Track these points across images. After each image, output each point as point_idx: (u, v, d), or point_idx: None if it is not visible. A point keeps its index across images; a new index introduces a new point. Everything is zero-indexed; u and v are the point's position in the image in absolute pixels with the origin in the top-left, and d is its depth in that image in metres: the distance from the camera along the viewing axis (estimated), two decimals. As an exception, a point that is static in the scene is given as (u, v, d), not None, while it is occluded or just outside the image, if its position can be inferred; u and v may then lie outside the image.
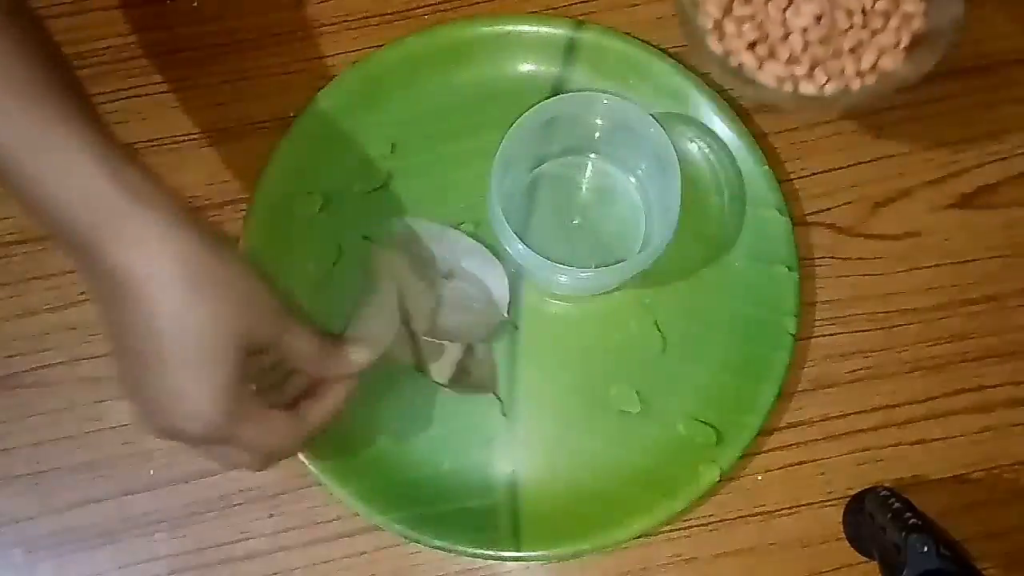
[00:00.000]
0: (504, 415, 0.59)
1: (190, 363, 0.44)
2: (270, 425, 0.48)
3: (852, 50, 0.59)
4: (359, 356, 0.52)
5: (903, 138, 0.63)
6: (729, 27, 0.59)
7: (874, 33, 0.59)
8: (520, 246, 0.54)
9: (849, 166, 0.63)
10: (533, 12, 0.63)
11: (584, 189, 0.62)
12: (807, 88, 0.59)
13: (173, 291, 0.43)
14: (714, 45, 0.59)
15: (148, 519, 0.59)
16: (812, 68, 0.59)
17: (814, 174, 0.63)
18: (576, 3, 0.64)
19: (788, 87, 0.59)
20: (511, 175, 0.58)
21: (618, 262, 0.55)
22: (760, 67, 0.59)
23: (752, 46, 0.59)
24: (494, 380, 0.59)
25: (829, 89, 0.58)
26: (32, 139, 0.42)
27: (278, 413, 0.49)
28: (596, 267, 0.56)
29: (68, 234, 0.43)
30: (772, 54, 0.59)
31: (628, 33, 0.62)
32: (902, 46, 0.59)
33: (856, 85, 0.59)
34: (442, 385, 0.58)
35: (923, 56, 0.58)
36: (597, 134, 0.59)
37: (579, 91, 0.61)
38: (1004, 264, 0.62)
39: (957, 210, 0.63)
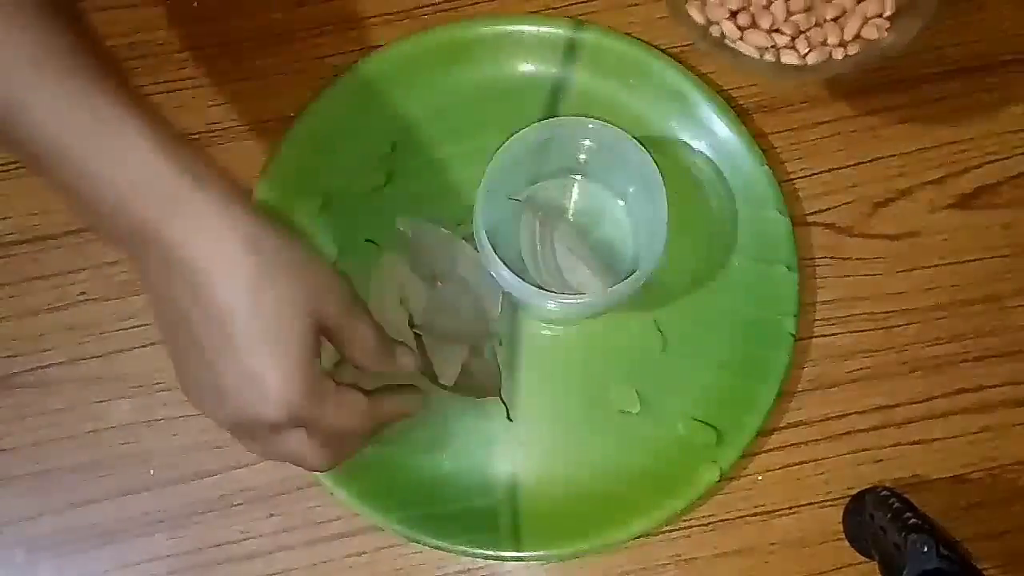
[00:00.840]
0: (510, 419, 0.59)
1: (264, 342, 0.43)
2: (348, 403, 0.47)
3: (835, 19, 0.59)
4: (407, 359, 0.52)
5: (903, 138, 0.63)
6: None
7: (858, 1, 0.59)
8: (506, 272, 0.53)
9: (849, 166, 0.63)
10: (533, 12, 0.63)
11: (571, 212, 0.61)
12: (789, 58, 0.58)
13: (242, 271, 0.42)
14: (695, 14, 0.59)
15: (148, 519, 0.59)
16: (794, 37, 0.59)
17: (814, 174, 0.63)
18: (576, 3, 0.64)
19: (769, 56, 0.58)
20: (498, 199, 0.58)
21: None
22: (741, 36, 0.59)
23: (734, 15, 0.59)
24: (498, 384, 0.59)
25: (811, 59, 0.58)
26: (82, 123, 0.41)
27: (354, 391, 0.47)
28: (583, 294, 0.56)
29: (120, 222, 0.42)
30: (754, 23, 0.59)
31: (628, 33, 0.62)
32: (886, 14, 0.59)
33: (839, 55, 0.59)
34: (447, 389, 0.58)
35: (906, 25, 0.57)
36: (583, 156, 0.59)
37: (565, 116, 0.60)
38: (1004, 264, 0.62)
39: (957, 210, 0.63)
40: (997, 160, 0.63)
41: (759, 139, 0.61)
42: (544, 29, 0.62)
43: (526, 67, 0.63)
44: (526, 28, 0.62)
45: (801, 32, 0.58)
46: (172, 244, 0.41)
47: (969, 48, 0.64)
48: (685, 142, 0.62)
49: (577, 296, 0.55)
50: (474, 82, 0.62)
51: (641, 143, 0.55)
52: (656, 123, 0.62)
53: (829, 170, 0.63)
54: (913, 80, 0.63)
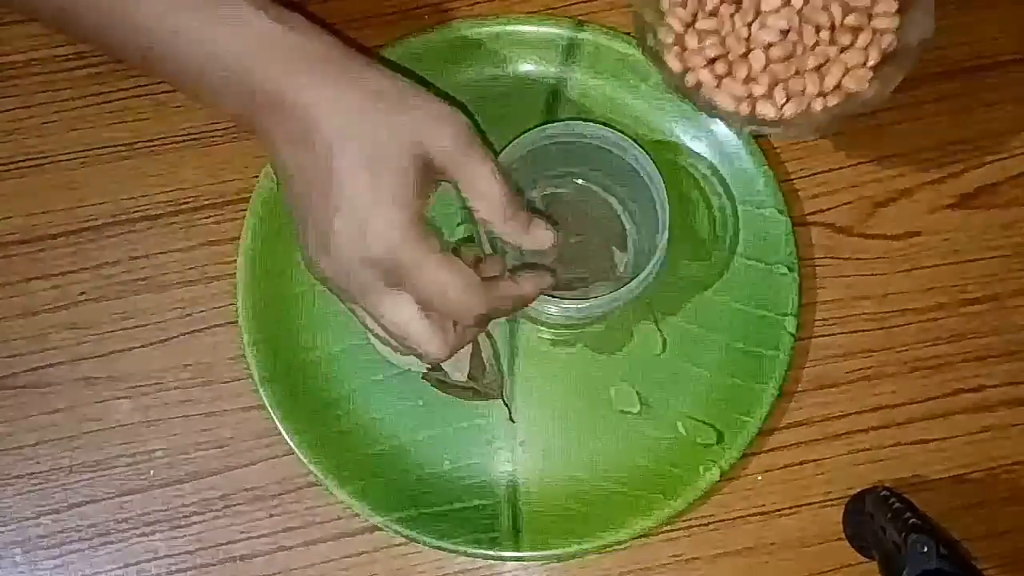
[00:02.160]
0: (512, 421, 0.59)
1: (363, 170, 0.43)
2: (455, 272, 0.44)
3: (816, 68, 0.56)
4: (544, 233, 0.48)
5: (903, 138, 0.63)
6: (691, 41, 0.57)
7: (842, 50, 0.56)
8: None
9: (849, 166, 0.63)
10: (533, 12, 0.63)
11: (571, 215, 0.61)
12: (765, 110, 0.56)
13: (344, 105, 0.43)
14: (672, 61, 0.57)
15: (148, 519, 0.59)
16: (771, 87, 0.56)
17: (814, 174, 0.63)
18: (576, 3, 0.64)
19: (745, 108, 0.56)
20: None
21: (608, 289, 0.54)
22: (718, 85, 0.56)
23: (711, 63, 0.57)
24: (500, 386, 0.59)
25: (788, 110, 0.56)
26: (203, 6, 0.44)
27: (462, 264, 0.44)
28: (584, 297, 0.56)
29: (241, 89, 0.44)
30: (731, 72, 0.56)
31: (628, 33, 0.62)
32: (870, 64, 0.56)
33: (818, 106, 0.56)
34: (448, 392, 0.58)
35: (888, 75, 0.55)
36: (583, 160, 0.59)
37: (566, 119, 0.60)
38: (1004, 264, 0.62)
39: (957, 210, 0.63)
40: (997, 160, 0.63)
41: (759, 139, 0.61)
42: (544, 29, 0.62)
43: (526, 67, 0.63)
44: (526, 28, 0.62)
45: (779, 81, 0.56)
46: (285, 95, 0.43)
47: (969, 48, 0.64)
48: (685, 142, 0.62)
49: (578, 301, 0.55)
50: (474, 82, 0.62)
51: (641, 144, 0.55)
52: (656, 123, 0.62)
53: (829, 170, 0.63)
54: (913, 80, 0.63)
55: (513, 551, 0.57)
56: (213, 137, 0.62)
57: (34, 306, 0.60)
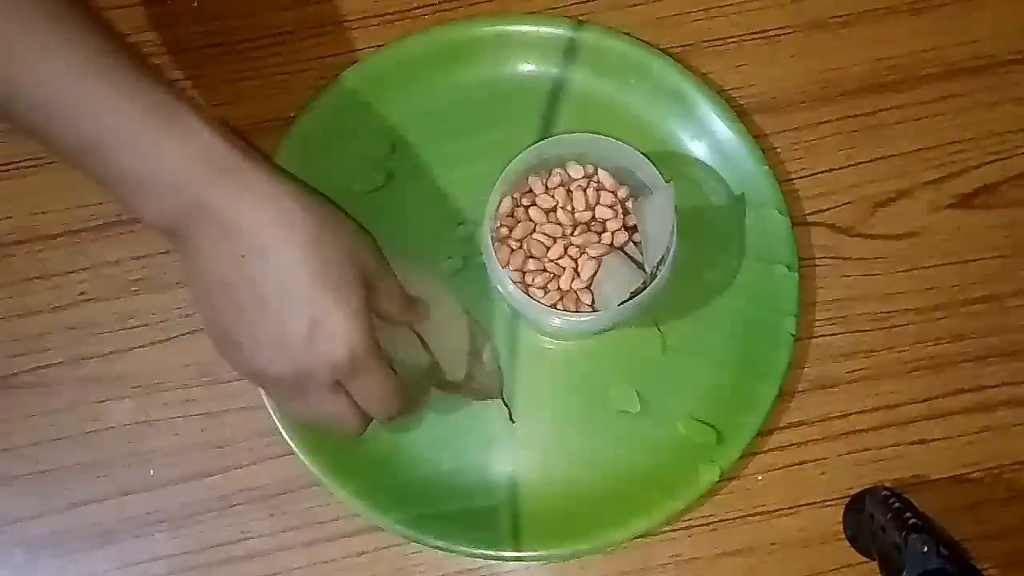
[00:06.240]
0: (512, 421, 0.59)
1: (329, 290, 0.46)
2: (390, 373, 0.50)
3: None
4: (423, 310, 0.56)
5: (903, 138, 0.63)
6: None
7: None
8: (512, 288, 0.54)
9: (849, 166, 0.63)
10: (533, 12, 0.63)
11: None
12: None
13: (304, 231, 0.46)
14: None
15: (148, 519, 0.59)
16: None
17: (814, 174, 0.63)
18: (576, 3, 0.64)
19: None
20: None
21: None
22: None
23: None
24: (500, 386, 0.59)
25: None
26: (144, 111, 0.44)
27: (394, 373, 0.51)
28: (591, 310, 0.56)
29: (173, 201, 0.45)
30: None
31: (628, 33, 0.62)
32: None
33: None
34: (449, 391, 0.58)
35: None
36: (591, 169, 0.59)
37: (568, 132, 0.59)
38: (1004, 264, 0.62)
39: (957, 210, 0.63)
40: (997, 160, 0.63)
41: (759, 139, 0.61)
42: (544, 29, 0.62)
43: (526, 67, 0.63)
44: (526, 28, 0.62)
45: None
46: (232, 213, 0.45)
47: (969, 48, 0.64)
48: (685, 142, 0.62)
49: (581, 314, 0.55)
50: (474, 82, 0.62)
51: (646, 155, 0.55)
52: (656, 123, 0.62)
53: (829, 170, 0.63)
54: (913, 80, 0.63)
55: (513, 551, 0.57)
56: (213, 137, 0.62)
57: (34, 306, 0.60)
